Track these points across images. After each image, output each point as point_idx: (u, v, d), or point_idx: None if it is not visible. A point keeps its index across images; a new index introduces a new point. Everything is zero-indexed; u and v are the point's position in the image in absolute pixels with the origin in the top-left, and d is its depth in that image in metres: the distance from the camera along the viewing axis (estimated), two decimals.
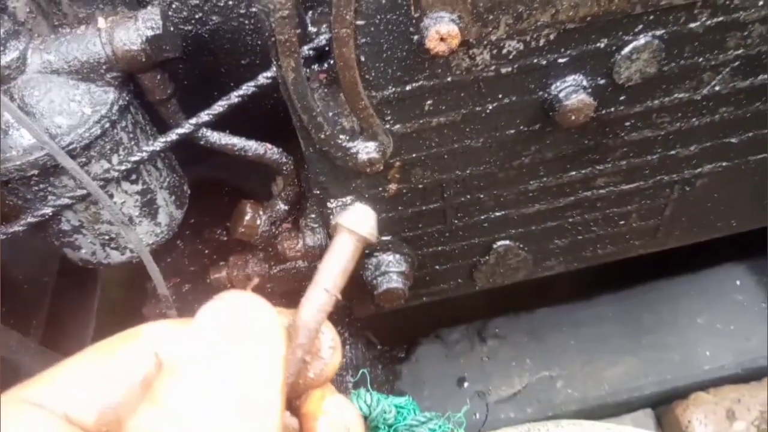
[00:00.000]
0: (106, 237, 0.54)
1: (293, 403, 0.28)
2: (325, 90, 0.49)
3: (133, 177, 0.52)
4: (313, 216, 0.62)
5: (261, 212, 0.63)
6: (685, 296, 0.95)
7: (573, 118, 0.48)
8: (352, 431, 0.27)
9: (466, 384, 0.93)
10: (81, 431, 0.25)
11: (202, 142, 0.54)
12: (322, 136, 0.47)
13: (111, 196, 0.51)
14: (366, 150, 0.48)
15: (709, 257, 0.98)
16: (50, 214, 0.48)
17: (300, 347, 0.28)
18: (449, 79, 0.46)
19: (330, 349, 0.29)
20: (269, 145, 0.57)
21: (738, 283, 0.96)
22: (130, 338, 0.27)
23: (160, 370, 0.26)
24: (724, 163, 0.59)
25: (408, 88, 0.46)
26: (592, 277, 1.05)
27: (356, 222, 0.29)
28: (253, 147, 0.56)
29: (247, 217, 0.62)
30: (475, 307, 1.01)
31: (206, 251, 0.92)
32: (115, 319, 0.96)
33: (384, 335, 0.99)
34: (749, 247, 0.98)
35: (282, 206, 0.62)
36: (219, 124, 0.54)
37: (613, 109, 0.51)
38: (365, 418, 0.47)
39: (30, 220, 0.48)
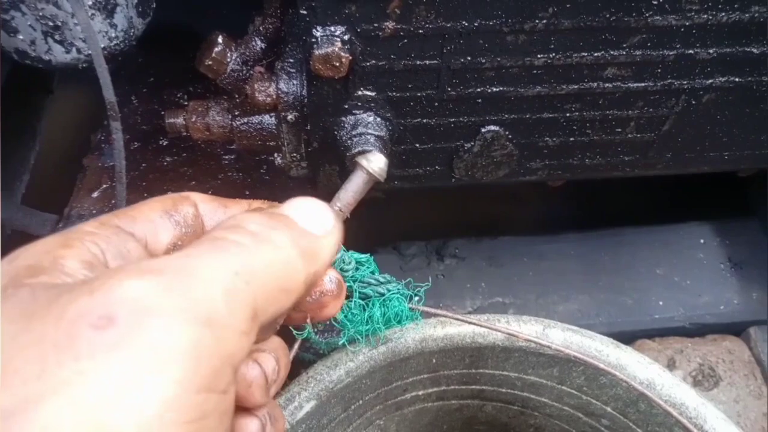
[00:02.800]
0: (50, 23, 0.46)
1: None
2: None
3: None
4: (291, 60, 0.56)
5: (233, 47, 0.56)
6: (647, 246, 0.94)
7: None
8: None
9: (416, 299, 0.89)
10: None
11: None
12: None
13: None
14: None
15: (678, 213, 0.97)
16: None
17: None
18: None
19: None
20: None
21: (702, 241, 0.95)
22: (180, 196, 0.34)
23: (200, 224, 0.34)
24: (736, 79, 0.55)
25: None
26: (559, 215, 1.03)
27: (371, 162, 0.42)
28: None
29: (218, 49, 0.55)
30: (437, 227, 0.97)
31: (162, 112, 0.84)
32: (52, 171, 0.87)
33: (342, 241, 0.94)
34: (718, 209, 0.98)
35: (258, 43, 0.55)
36: None
37: None
38: None
39: None
